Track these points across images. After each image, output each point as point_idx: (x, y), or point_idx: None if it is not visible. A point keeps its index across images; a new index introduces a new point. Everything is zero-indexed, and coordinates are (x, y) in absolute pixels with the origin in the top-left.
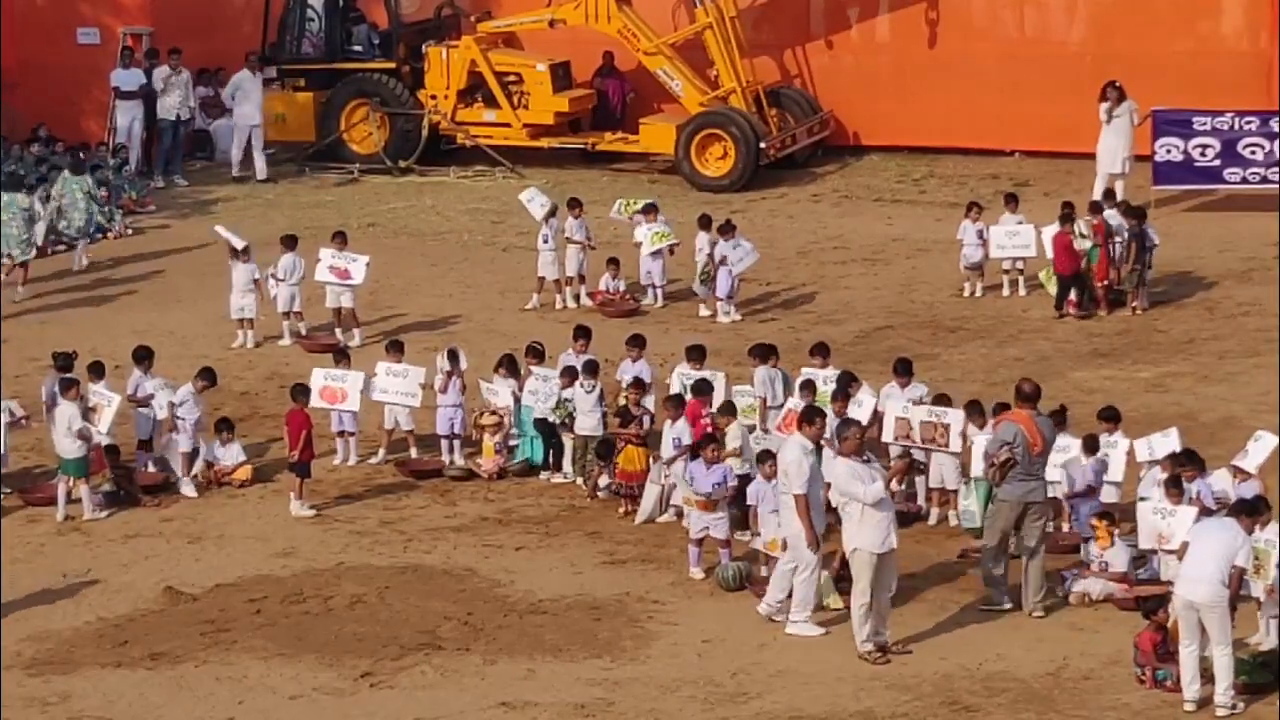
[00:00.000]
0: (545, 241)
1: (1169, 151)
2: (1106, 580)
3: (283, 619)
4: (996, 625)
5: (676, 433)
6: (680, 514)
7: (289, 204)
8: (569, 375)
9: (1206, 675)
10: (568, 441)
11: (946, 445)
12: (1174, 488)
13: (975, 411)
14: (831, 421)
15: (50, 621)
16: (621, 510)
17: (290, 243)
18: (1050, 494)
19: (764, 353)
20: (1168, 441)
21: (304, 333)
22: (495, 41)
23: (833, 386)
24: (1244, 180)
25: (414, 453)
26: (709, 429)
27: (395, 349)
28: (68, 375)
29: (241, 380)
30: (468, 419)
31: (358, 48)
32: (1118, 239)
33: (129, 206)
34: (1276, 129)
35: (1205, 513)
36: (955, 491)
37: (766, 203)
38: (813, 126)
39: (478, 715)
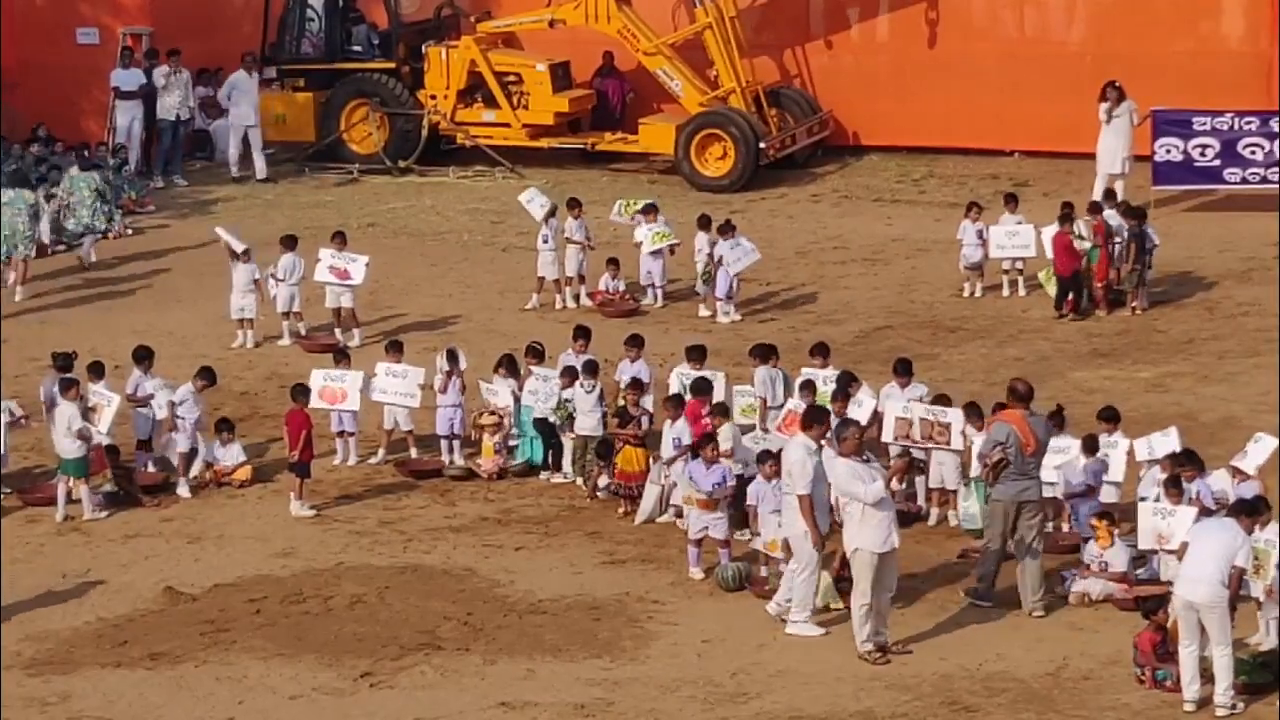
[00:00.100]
0: (545, 241)
1: (1169, 151)
2: (1106, 580)
3: (282, 619)
4: (996, 625)
5: (676, 433)
6: (680, 514)
7: (289, 204)
8: (569, 375)
9: (1206, 675)
10: (567, 442)
11: (948, 443)
12: (1173, 488)
13: (974, 413)
14: (831, 422)
15: (50, 621)
16: (621, 510)
17: (290, 243)
18: (1049, 494)
19: (764, 353)
20: (1167, 441)
21: (304, 333)
22: (495, 41)
23: (833, 386)
24: (1244, 180)
25: (414, 453)
26: (709, 428)
27: (395, 349)
28: (68, 375)
29: (241, 380)
30: (467, 419)
31: (357, 48)
32: (1117, 239)
33: (129, 206)
34: (1276, 129)
35: (1205, 513)
36: (955, 492)
37: (766, 203)
38: (812, 126)
39: (478, 715)
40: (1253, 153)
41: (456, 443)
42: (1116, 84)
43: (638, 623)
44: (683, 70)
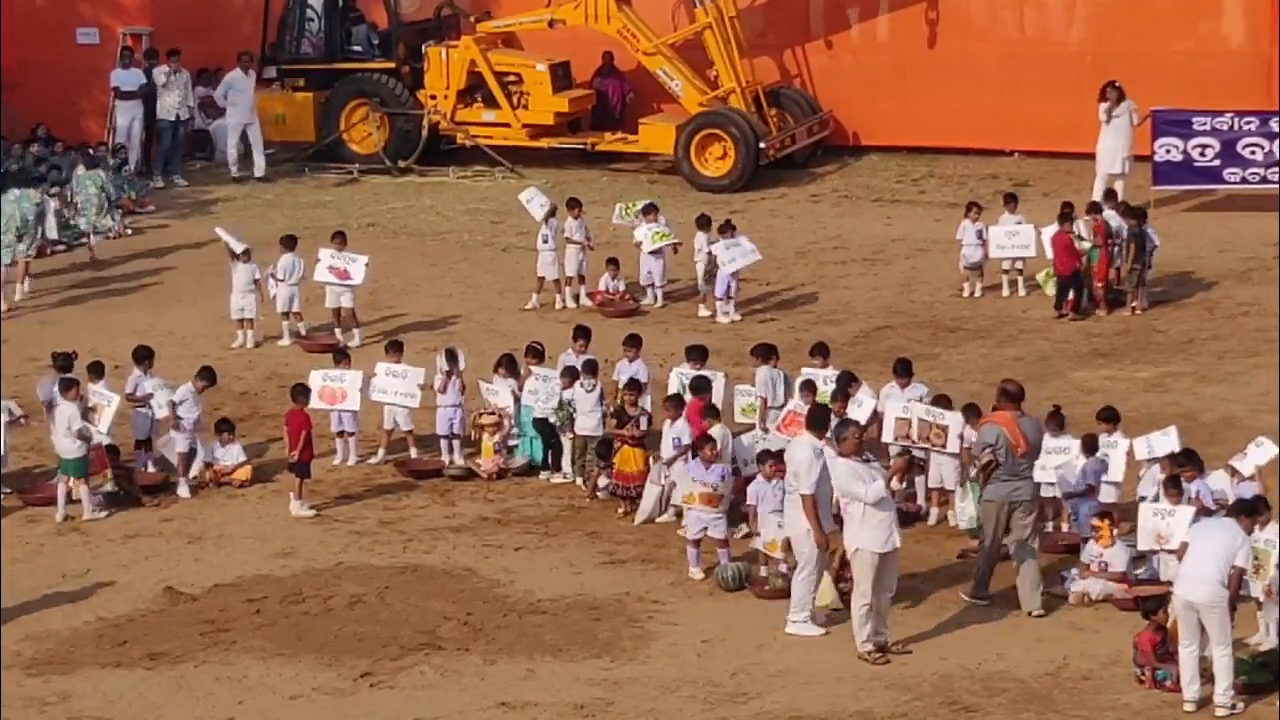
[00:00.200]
0: (545, 241)
1: (1168, 151)
2: (1106, 580)
3: (282, 619)
4: (996, 625)
5: (676, 432)
6: (680, 514)
7: (288, 204)
8: (569, 376)
9: (1206, 675)
10: (567, 442)
11: (944, 445)
12: (1173, 488)
13: (973, 415)
14: (831, 422)
15: (50, 621)
16: (621, 510)
17: (290, 243)
18: (1049, 494)
19: (766, 353)
20: (1167, 440)
21: (304, 333)
22: (495, 41)
23: (832, 386)
24: (1243, 180)
25: (413, 453)
26: (707, 429)
27: (395, 349)
28: (68, 375)
29: (241, 380)
30: (467, 419)
31: (357, 48)
32: (1117, 240)
33: (129, 206)
34: (1276, 129)
35: (1204, 513)
36: (954, 492)
37: (766, 203)
38: (812, 126)
39: (477, 715)
40: (1252, 153)
41: (456, 443)
42: (1116, 84)
43: (638, 623)
44: (683, 70)
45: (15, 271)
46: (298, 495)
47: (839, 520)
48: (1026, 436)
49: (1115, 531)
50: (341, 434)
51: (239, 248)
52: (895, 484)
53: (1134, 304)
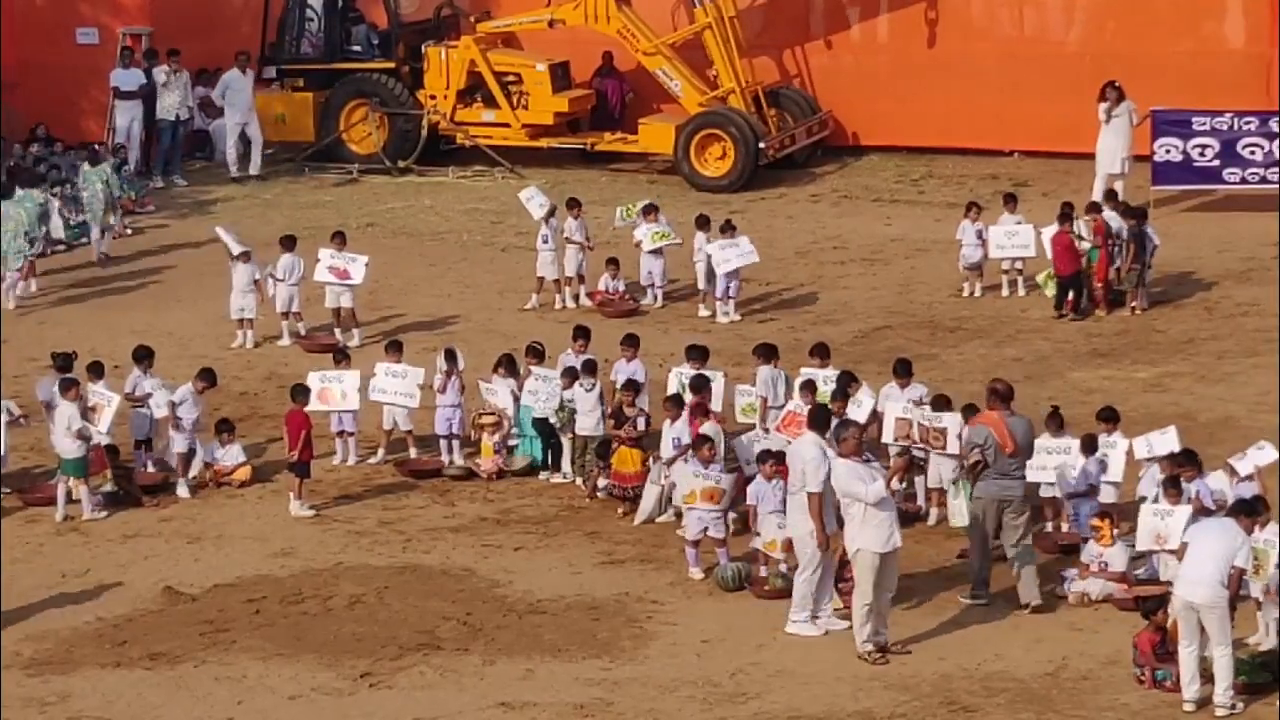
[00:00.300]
0: (544, 241)
1: (1168, 152)
2: (1106, 580)
3: (281, 619)
4: (995, 625)
5: (676, 432)
6: (679, 514)
7: (288, 204)
8: (569, 376)
9: (1206, 675)
10: (566, 442)
11: (944, 448)
12: (1172, 488)
13: (972, 415)
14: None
15: (49, 621)
16: (620, 510)
17: (289, 243)
18: (1049, 494)
19: (768, 353)
20: (1166, 439)
21: (303, 333)
22: (494, 41)
23: (832, 387)
24: (1243, 180)
25: (413, 453)
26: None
27: (394, 349)
28: (67, 375)
29: (241, 380)
30: (466, 419)
31: (357, 48)
32: (1117, 240)
33: (128, 206)
34: (1276, 129)
35: (1204, 513)
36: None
37: (765, 203)
38: (812, 126)
39: (477, 715)
40: (1252, 153)
41: (456, 443)
42: (1116, 84)
43: (637, 623)
44: (682, 70)
45: (23, 271)
46: (297, 495)
47: (839, 521)
48: (1014, 436)
49: (1115, 531)
50: (341, 434)
51: (238, 250)
52: (895, 484)
53: (1134, 304)
